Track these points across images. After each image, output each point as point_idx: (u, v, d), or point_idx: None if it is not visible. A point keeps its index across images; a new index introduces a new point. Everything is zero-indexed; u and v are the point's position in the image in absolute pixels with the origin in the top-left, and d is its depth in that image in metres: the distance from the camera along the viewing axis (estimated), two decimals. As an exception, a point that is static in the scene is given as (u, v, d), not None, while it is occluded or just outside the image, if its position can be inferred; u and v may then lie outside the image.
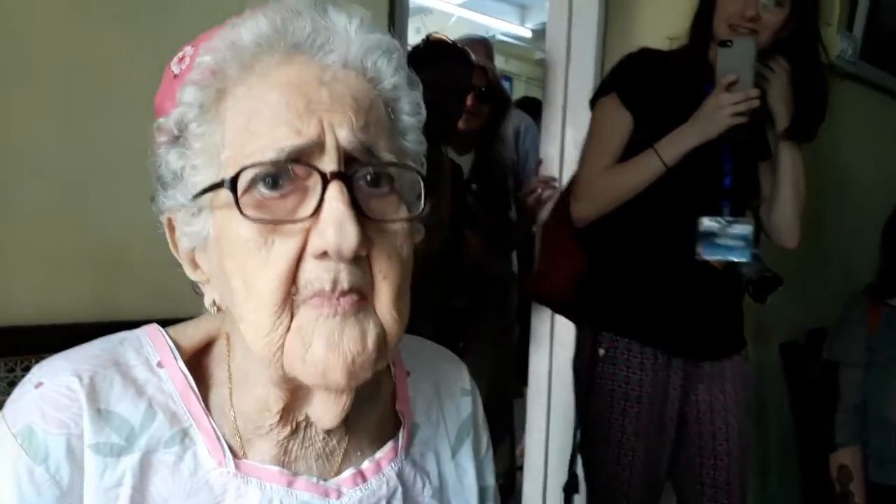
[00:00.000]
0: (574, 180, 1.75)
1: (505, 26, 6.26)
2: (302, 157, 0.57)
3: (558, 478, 2.43)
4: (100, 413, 0.61)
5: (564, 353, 2.46)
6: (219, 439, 0.65)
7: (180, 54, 0.66)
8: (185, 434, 0.64)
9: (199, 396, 0.66)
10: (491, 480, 0.85)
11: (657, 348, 1.67)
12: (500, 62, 6.89)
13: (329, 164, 0.57)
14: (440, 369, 0.83)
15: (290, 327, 0.57)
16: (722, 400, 1.72)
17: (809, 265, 2.48)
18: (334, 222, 0.55)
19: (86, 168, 1.30)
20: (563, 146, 2.43)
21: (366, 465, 0.70)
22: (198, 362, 0.68)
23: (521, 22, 6.34)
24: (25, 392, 0.62)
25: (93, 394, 0.62)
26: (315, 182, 0.57)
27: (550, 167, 2.48)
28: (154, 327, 0.70)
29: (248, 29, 0.59)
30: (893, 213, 2.10)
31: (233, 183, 0.56)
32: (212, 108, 0.59)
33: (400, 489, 0.71)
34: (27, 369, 1.06)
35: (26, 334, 1.16)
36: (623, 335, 1.69)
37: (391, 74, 0.63)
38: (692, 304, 1.66)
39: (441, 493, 0.76)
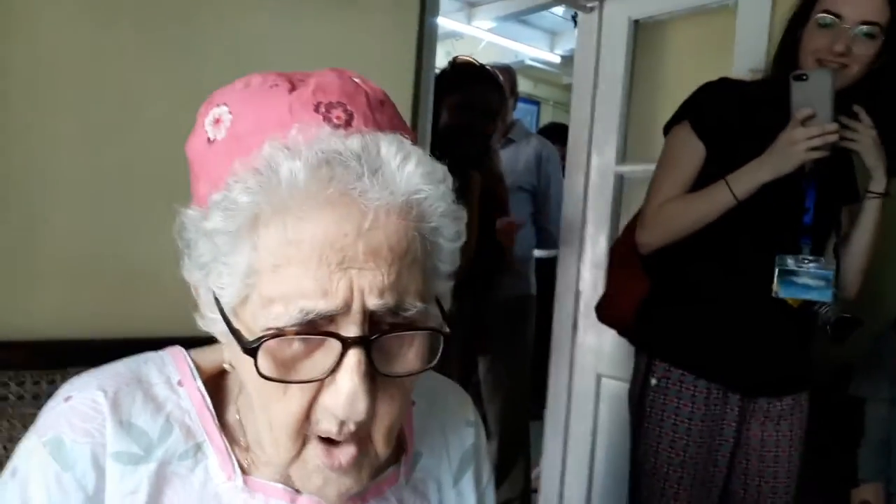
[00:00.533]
0: (642, 207, 1.72)
1: (534, 52, 6.29)
2: (324, 320, 0.56)
3: (574, 501, 2.42)
4: (121, 424, 0.64)
5: (584, 377, 2.45)
6: (229, 455, 0.67)
7: (215, 114, 0.61)
8: (198, 448, 0.67)
9: (214, 415, 0.69)
10: None
11: (711, 382, 1.63)
12: (527, 86, 6.92)
13: (352, 328, 0.56)
14: (445, 401, 0.84)
15: (300, 452, 0.60)
16: (775, 438, 1.68)
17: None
18: (347, 397, 0.56)
19: (113, 184, 1.33)
20: (588, 173, 2.44)
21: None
22: (216, 383, 0.71)
23: (550, 48, 6.37)
24: (56, 405, 0.66)
25: (116, 407, 0.65)
26: (335, 341, 0.56)
27: (574, 193, 2.48)
28: (177, 348, 0.73)
29: (287, 176, 0.54)
30: None
31: (253, 349, 0.56)
32: (243, 233, 0.57)
33: None
34: (52, 383, 1.09)
35: (53, 348, 1.19)
36: (677, 366, 1.66)
37: (437, 215, 0.60)
38: (757, 340, 1.61)
39: None
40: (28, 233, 1.25)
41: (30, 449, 0.64)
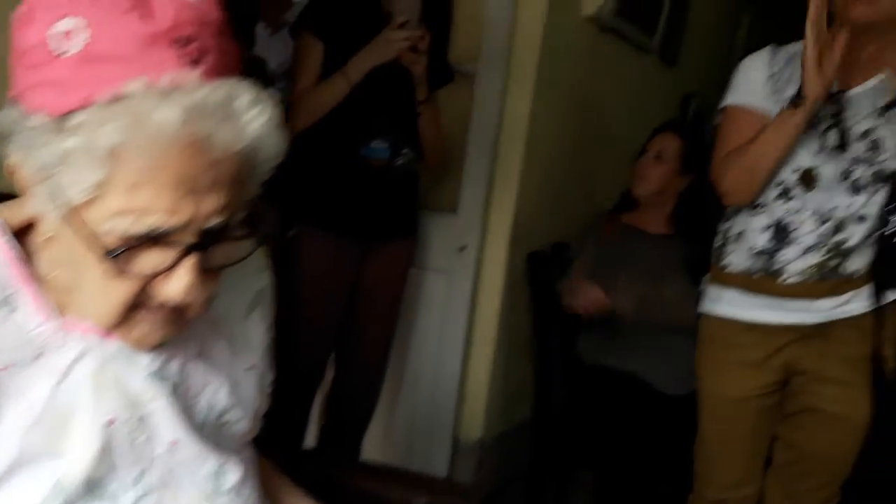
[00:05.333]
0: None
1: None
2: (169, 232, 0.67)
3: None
4: None
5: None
6: (44, 301, 0.75)
7: (64, 26, 0.65)
8: (12, 297, 0.73)
9: (25, 265, 0.75)
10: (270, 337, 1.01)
11: (340, 234, 2.12)
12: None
13: (190, 237, 0.68)
14: None
15: (125, 317, 0.72)
16: (385, 275, 2.24)
17: (566, 191, 2.90)
18: (185, 288, 0.69)
19: None
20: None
21: None
22: (22, 236, 0.77)
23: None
24: None
25: None
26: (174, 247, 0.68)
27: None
28: None
29: (160, 123, 0.63)
30: (639, 152, 2.55)
31: (115, 257, 0.66)
32: (104, 157, 0.64)
33: (194, 342, 0.85)
34: None
35: None
36: (312, 224, 2.12)
37: (271, 147, 0.73)
38: (367, 197, 2.12)
39: (232, 343, 0.91)
40: None
41: None
